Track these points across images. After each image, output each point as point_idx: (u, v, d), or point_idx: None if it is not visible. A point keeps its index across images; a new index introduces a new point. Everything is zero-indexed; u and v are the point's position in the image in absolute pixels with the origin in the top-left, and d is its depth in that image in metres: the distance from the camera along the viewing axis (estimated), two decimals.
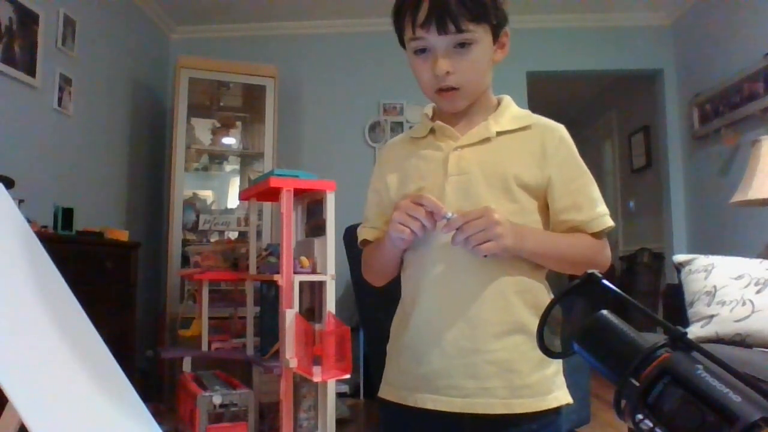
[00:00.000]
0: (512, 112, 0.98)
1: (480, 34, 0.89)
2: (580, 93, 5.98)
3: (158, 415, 0.77)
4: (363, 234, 1.07)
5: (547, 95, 5.07)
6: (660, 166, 4.41)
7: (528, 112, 1.00)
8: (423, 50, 0.91)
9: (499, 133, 0.95)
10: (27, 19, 2.69)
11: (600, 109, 6.11)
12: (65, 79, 2.99)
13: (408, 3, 0.90)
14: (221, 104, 4.20)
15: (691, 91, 3.94)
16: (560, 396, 0.92)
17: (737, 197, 2.74)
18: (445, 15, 0.86)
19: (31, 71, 2.72)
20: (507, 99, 1.01)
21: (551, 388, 0.91)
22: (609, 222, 0.93)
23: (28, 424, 0.51)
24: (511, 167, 0.92)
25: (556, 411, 0.91)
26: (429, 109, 1.04)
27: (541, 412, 0.89)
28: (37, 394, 0.56)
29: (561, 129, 0.97)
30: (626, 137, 5.46)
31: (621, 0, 4.06)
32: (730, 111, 3.47)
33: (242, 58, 3.96)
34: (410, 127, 1.39)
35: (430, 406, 0.91)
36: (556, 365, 0.94)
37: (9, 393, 0.51)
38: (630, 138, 5.35)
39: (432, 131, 1.00)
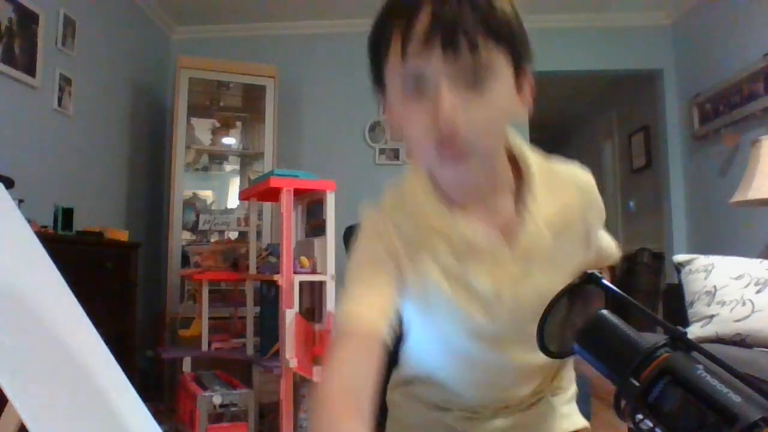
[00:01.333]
0: (543, 179, 0.73)
1: (500, 61, 0.64)
2: (580, 93, 5.97)
3: (158, 415, 0.77)
4: (350, 312, 0.68)
5: (547, 95, 5.07)
6: (660, 166, 4.41)
7: (552, 168, 0.76)
8: (417, 84, 0.63)
9: (550, 228, 0.71)
10: (27, 19, 2.69)
11: (600, 109, 6.11)
12: (65, 79, 2.99)
13: (397, 12, 0.64)
14: (221, 104, 4.20)
15: (691, 91, 3.94)
16: (577, 420, 0.89)
17: (737, 197, 2.74)
18: (456, 26, 0.60)
19: (31, 71, 2.72)
20: (523, 153, 0.74)
21: (572, 412, 0.89)
22: (617, 255, 0.90)
23: (28, 424, 0.51)
24: (567, 266, 0.72)
25: None
26: (426, 184, 0.72)
27: None
28: (37, 394, 0.56)
29: (595, 188, 0.78)
30: (626, 137, 5.46)
31: (621, 0, 4.05)
32: (730, 111, 3.47)
33: (242, 58, 3.96)
34: None
35: None
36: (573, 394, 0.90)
37: (9, 393, 0.51)
38: (630, 138, 5.35)
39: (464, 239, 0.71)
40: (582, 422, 0.89)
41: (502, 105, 0.65)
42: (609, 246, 0.87)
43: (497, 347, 0.74)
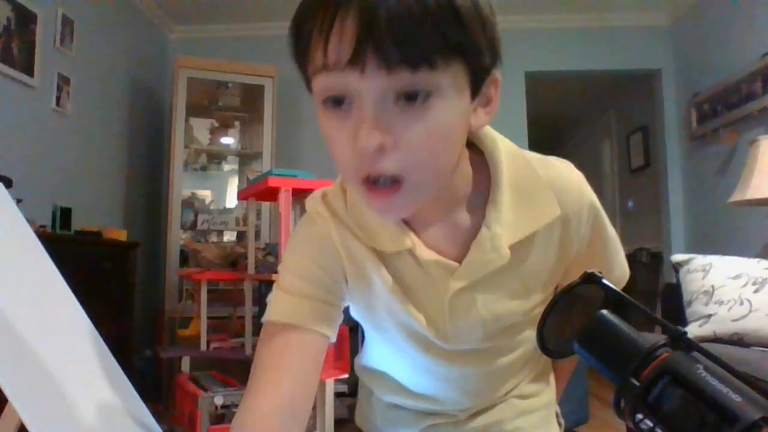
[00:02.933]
0: (517, 187, 0.62)
1: (447, 78, 0.49)
2: (578, 93, 5.97)
3: (156, 415, 0.77)
4: (282, 308, 0.63)
5: (545, 95, 5.07)
6: (658, 166, 4.42)
7: (536, 175, 0.63)
8: (339, 101, 0.51)
9: (512, 247, 0.61)
10: (25, 19, 2.69)
11: (598, 109, 6.12)
12: (63, 79, 2.99)
13: (316, 9, 0.50)
14: (219, 104, 4.20)
15: (689, 91, 3.94)
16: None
17: (735, 197, 2.74)
18: (394, 35, 0.45)
19: (30, 71, 2.71)
20: (495, 152, 0.62)
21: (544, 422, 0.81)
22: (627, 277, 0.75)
23: (28, 424, 0.51)
24: (530, 281, 0.65)
25: None
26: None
27: None
28: (37, 394, 0.56)
29: (589, 203, 0.65)
30: (624, 137, 5.46)
31: (620, 0, 4.06)
32: (728, 111, 3.48)
33: (241, 57, 3.96)
34: None
35: None
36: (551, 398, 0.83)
37: (9, 393, 0.51)
38: (628, 138, 5.36)
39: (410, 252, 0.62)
40: None
41: (447, 123, 0.50)
42: (621, 274, 0.74)
43: (451, 360, 0.68)
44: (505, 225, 0.60)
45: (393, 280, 0.63)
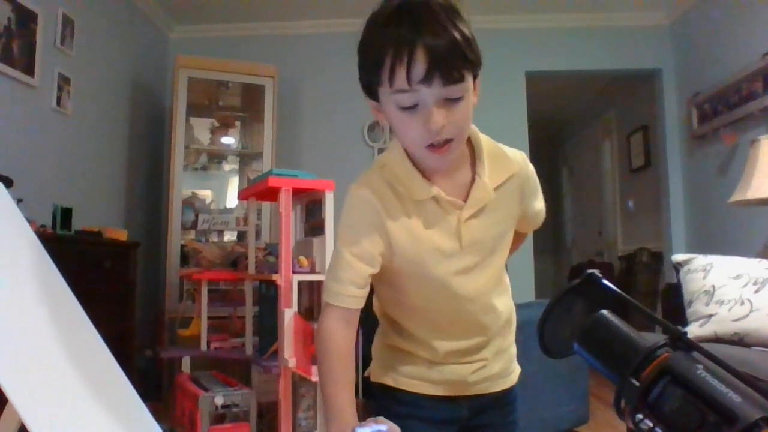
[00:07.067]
0: (490, 155, 0.96)
1: (468, 84, 0.83)
2: (579, 93, 5.98)
3: (156, 415, 0.77)
4: (341, 297, 0.92)
5: (546, 95, 5.07)
6: (659, 165, 4.42)
7: (499, 147, 0.98)
8: (413, 103, 0.82)
9: (494, 190, 0.94)
10: (26, 19, 2.69)
11: (599, 109, 6.12)
12: (64, 79, 2.99)
13: (397, 53, 0.79)
14: (220, 104, 4.20)
15: (690, 91, 3.94)
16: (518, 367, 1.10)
17: (736, 197, 2.74)
18: (449, 67, 0.79)
19: (30, 71, 2.72)
20: (477, 136, 0.96)
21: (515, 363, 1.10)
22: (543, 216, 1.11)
23: (28, 424, 0.51)
24: (505, 225, 0.99)
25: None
26: (404, 161, 0.93)
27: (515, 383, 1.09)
28: (37, 394, 0.56)
29: (530, 166, 1.02)
30: (625, 137, 5.46)
31: (619, 0, 4.06)
32: (728, 111, 3.48)
33: (241, 57, 3.96)
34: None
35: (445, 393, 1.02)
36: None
37: (9, 393, 0.51)
38: (629, 138, 5.36)
39: (434, 199, 0.93)
40: (518, 368, 1.11)
41: (469, 107, 0.85)
42: (541, 209, 1.08)
43: (463, 273, 0.95)
44: (489, 176, 0.94)
45: (423, 218, 0.93)
